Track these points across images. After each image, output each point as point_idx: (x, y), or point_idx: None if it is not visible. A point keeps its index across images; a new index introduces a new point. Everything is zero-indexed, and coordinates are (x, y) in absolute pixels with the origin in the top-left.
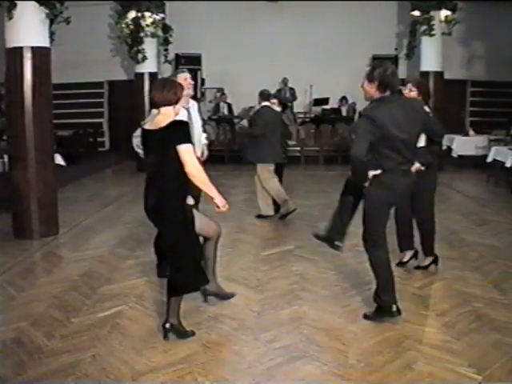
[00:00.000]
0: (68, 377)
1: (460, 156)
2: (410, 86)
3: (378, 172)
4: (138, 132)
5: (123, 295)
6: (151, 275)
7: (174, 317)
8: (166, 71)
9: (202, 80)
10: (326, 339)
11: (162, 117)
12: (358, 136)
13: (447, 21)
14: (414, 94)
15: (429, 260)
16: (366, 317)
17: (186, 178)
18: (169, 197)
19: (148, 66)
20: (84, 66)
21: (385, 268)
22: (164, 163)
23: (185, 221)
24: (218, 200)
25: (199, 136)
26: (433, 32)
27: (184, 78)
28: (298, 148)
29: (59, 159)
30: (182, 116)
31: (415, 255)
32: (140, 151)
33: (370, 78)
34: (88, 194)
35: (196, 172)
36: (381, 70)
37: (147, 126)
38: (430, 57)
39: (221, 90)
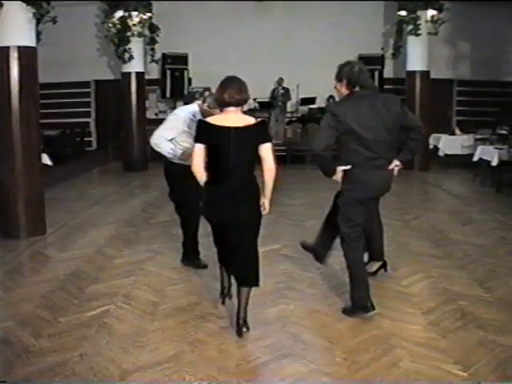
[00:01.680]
0: (56, 376)
1: (446, 155)
2: None
3: (348, 167)
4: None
5: (111, 295)
6: (138, 275)
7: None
8: (153, 71)
9: (189, 79)
10: (312, 337)
11: (237, 115)
12: (319, 130)
13: (433, 20)
14: None
15: (377, 265)
16: (344, 311)
17: None
18: (254, 187)
19: (135, 66)
20: (71, 65)
21: (358, 266)
22: (251, 158)
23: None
24: (268, 202)
25: None
26: (419, 32)
27: None
28: (285, 147)
29: (46, 159)
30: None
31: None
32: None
33: (338, 77)
34: (75, 193)
35: (273, 167)
36: (347, 68)
37: (222, 123)
38: (417, 56)
39: (208, 90)
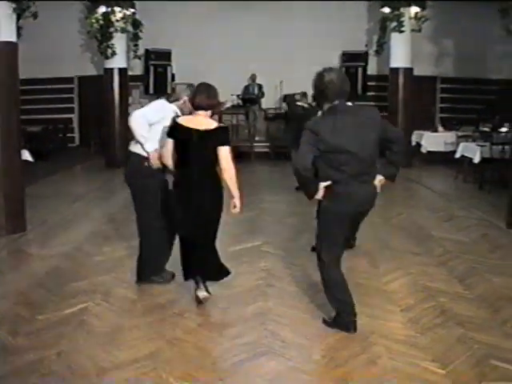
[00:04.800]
0: (32, 374)
1: (429, 152)
2: None
3: (329, 183)
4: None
5: (90, 292)
6: (118, 272)
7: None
8: (136, 67)
9: (172, 75)
10: (290, 335)
11: (203, 118)
12: (300, 148)
13: (417, 17)
14: None
15: None
16: (324, 322)
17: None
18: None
19: (117, 62)
20: (54, 61)
21: (340, 288)
22: (209, 157)
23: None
24: (237, 201)
25: None
26: (402, 28)
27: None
28: (268, 144)
29: (27, 155)
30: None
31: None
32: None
33: (312, 85)
34: (57, 190)
35: (229, 168)
36: (317, 77)
37: (187, 124)
38: (400, 53)
39: (191, 86)
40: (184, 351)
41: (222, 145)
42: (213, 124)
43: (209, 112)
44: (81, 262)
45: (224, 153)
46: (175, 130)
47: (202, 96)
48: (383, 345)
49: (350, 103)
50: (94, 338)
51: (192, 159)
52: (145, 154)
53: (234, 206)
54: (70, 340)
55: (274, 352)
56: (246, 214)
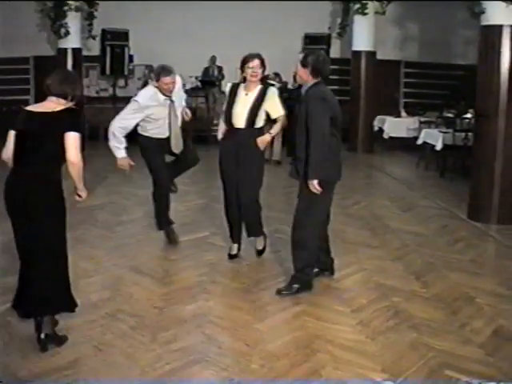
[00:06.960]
0: None
1: (391, 138)
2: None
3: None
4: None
5: None
6: None
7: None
8: (94, 47)
9: (130, 57)
10: (229, 340)
11: (52, 104)
12: (318, 115)
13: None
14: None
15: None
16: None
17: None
18: (46, 182)
19: (71, 42)
20: (9, 40)
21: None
22: (52, 146)
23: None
24: (81, 192)
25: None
26: (366, 11)
27: (165, 82)
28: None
29: None
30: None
31: None
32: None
33: (303, 63)
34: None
35: (75, 160)
36: (314, 56)
37: (31, 109)
38: (363, 36)
39: (149, 67)
40: (111, 359)
41: (70, 130)
42: (61, 107)
43: (62, 100)
44: (16, 255)
45: (71, 141)
46: (20, 118)
47: (55, 80)
48: (329, 352)
49: None
50: (15, 342)
51: (29, 154)
52: (147, 135)
53: (79, 196)
54: None
55: (209, 360)
56: (195, 202)
